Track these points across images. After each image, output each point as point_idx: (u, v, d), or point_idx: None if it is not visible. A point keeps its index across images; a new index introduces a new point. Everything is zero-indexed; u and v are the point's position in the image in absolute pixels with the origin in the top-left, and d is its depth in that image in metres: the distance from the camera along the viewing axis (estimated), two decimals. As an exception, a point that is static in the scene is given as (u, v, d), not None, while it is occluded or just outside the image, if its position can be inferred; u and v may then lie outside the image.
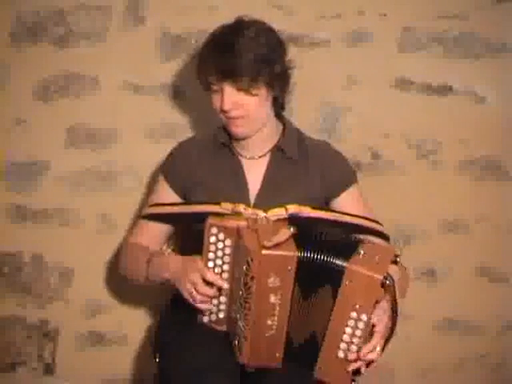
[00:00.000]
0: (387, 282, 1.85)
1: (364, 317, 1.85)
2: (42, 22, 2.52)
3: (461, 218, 2.69)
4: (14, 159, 2.59)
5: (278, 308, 1.86)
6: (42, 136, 2.58)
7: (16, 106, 2.56)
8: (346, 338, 1.88)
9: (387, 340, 1.96)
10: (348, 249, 1.91)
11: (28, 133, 2.57)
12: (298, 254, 1.84)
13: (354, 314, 1.85)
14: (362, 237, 2.08)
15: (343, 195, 2.22)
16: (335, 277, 1.86)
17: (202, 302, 1.95)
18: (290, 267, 1.83)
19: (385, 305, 1.91)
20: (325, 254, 1.86)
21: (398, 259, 1.94)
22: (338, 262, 1.86)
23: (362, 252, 1.88)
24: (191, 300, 1.96)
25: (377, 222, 2.23)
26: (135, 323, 2.70)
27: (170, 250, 2.29)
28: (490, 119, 2.63)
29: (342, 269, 1.85)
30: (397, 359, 2.68)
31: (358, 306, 1.85)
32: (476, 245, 2.70)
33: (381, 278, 1.83)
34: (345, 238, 2.00)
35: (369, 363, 1.92)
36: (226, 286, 1.95)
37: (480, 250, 2.71)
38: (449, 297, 2.72)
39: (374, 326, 1.88)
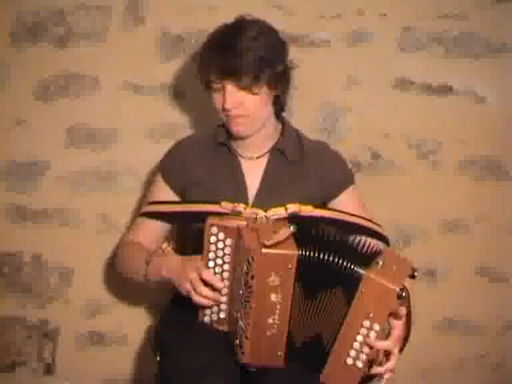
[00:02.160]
0: (403, 294, 1.84)
1: (376, 326, 1.85)
2: (41, 22, 2.52)
3: (461, 217, 2.69)
4: (14, 159, 2.59)
5: (278, 307, 1.86)
6: (42, 136, 2.58)
7: (16, 106, 2.56)
8: (356, 345, 1.88)
9: (399, 351, 1.96)
10: (368, 256, 1.89)
11: (28, 133, 2.57)
12: (298, 252, 1.83)
13: (366, 323, 1.85)
14: (362, 237, 2.08)
15: (341, 196, 2.22)
16: (350, 282, 1.85)
17: (200, 301, 1.95)
18: (290, 266, 1.83)
19: (400, 317, 1.91)
20: (335, 256, 1.85)
21: (415, 273, 1.93)
22: (356, 268, 1.84)
23: (380, 262, 1.87)
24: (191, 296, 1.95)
25: (376, 224, 2.23)
26: (135, 323, 2.70)
27: (170, 249, 2.29)
28: (490, 119, 2.63)
29: (360, 276, 1.84)
30: (397, 359, 2.67)
31: (371, 315, 1.84)
32: (476, 245, 2.70)
33: (397, 289, 1.81)
34: (358, 243, 1.97)
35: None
36: (222, 285, 1.94)
37: (480, 250, 2.71)
38: (449, 297, 2.72)
39: (389, 333, 1.89)
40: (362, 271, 1.84)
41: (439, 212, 2.68)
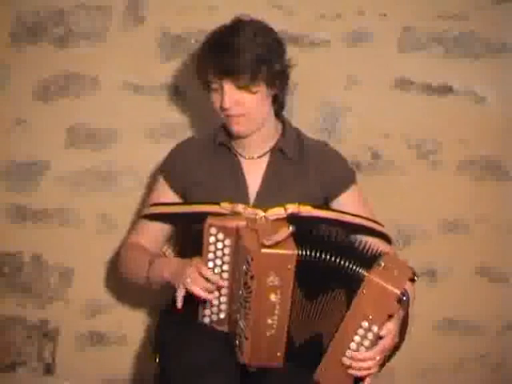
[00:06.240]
0: (403, 297, 1.85)
1: (374, 328, 1.85)
2: (42, 22, 2.53)
3: (461, 217, 2.69)
4: (14, 159, 2.59)
5: (278, 307, 1.86)
6: (42, 136, 2.58)
7: (16, 106, 2.57)
8: (353, 346, 1.88)
9: (391, 355, 1.98)
10: (369, 257, 1.90)
11: (28, 133, 2.58)
12: (297, 252, 1.84)
13: (365, 324, 1.85)
14: (363, 237, 2.09)
15: (343, 196, 2.22)
16: (351, 283, 1.85)
17: (200, 293, 1.94)
18: (289, 266, 1.83)
19: (396, 320, 1.91)
20: (336, 256, 1.86)
21: (415, 278, 1.94)
22: (358, 269, 1.85)
23: (382, 264, 1.88)
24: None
25: (377, 223, 2.23)
26: (135, 323, 2.70)
27: (170, 251, 2.30)
28: (489, 119, 2.63)
29: (362, 277, 1.85)
30: (397, 359, 2.64)
31: (370, 317, 1.84)
32: (476, 245, 2.70)
33: (398, 292, 1.83)
34: (359, 244, 1.97)
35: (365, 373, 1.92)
36: (221, 282, 1.94)
37: (480, 250, 2.71)
38: (449, 297, 2.72)
39: (381, 338, 1.88)
40: (364, 272, 1.85)
41: (439, 212, 2.68)
